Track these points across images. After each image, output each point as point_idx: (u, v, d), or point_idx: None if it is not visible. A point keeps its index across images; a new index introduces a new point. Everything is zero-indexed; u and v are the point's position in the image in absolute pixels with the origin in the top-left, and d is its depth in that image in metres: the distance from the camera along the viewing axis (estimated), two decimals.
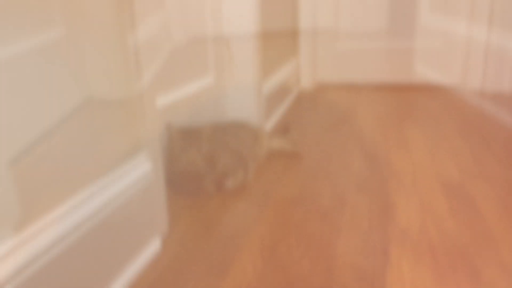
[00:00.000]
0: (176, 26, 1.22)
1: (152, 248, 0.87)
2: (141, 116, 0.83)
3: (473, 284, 0.77)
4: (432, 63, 2.44)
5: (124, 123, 0.78)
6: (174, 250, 0.89)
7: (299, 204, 1.08)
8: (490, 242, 0.89)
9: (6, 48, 0.54)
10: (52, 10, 0.62)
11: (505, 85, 2.25)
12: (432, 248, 0.87)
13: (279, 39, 2.04)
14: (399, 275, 0.80)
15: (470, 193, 1.11)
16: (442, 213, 1.01)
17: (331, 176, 1.26)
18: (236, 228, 0.98)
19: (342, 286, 0.77)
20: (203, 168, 1.12)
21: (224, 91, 1.58)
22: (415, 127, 1.70)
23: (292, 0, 2.32)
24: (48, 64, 0.62)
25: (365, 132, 1.67)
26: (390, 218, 1.00)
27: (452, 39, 2.38)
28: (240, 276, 0.81)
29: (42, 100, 0.60)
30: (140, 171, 0.82)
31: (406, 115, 1.91)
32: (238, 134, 1.34)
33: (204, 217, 1.03)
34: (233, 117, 1.60)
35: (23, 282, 0.55)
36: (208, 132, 1.12)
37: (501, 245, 0.88)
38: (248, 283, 0.79)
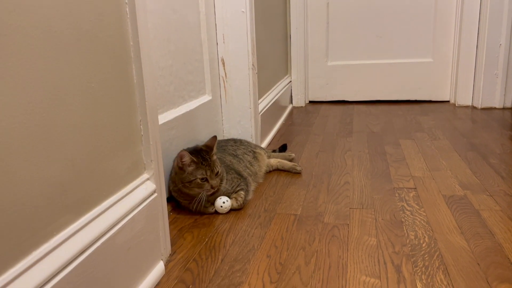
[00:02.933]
0: (174, 46, 1.21)
1: (156, 272, 0.82)
2: (145, 136, 0.80)
3: None
4: (423, 79, 2.47)
5: (128, 143, 0.75)
6: (178, 275, 0.85)
7: (303, 223, 1.05)
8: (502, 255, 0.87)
9: None
10: None
11: (496, 99, 2.28)
12: (444, 264, 0.85)
13: (272, 58, 2.04)
14: None
15: (474, 206, 1.10)
16: (449, 227, 1.00)
17: (332, 192, 1.24)
18: (240, 250, 0.94)
19: None
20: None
21: (221, 109, 1.56)
22: (411, 141, 1.70)
23: (284, 17, 2.34)
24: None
25: (361, 147, 1.67)
26: (398, 234, 0.98)
27: (443, 56, 2.42)
28: None
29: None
30: (145, 192, 0.78)
31: (401, 130, 1.91)
32: (236, 153, 1.32)
33: (207, 238, 1.00)
34: (230, 135, 1.58)
35: None
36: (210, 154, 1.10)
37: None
38: None
